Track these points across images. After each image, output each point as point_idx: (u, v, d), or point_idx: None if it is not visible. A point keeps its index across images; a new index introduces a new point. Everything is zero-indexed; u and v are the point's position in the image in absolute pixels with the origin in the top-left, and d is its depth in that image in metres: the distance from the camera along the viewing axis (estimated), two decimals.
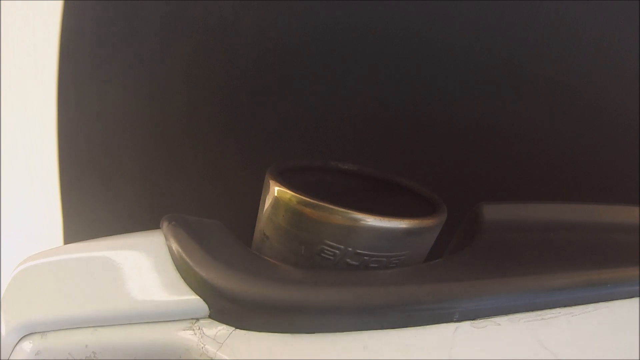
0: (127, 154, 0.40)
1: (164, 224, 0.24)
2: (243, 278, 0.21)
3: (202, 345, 0.20)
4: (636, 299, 0.20)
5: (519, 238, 0.25)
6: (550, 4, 0.29)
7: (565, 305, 0.20)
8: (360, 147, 0.35)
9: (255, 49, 0.35)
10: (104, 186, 0.42)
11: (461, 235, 0.28)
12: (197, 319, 0.21)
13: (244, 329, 0.20)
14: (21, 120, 0.44)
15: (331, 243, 0.23)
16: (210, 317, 0.21)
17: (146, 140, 0.40)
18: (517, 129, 0.32)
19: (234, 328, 0.21)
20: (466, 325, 0.20)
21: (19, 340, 0.22)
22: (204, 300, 0.21)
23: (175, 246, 0.23)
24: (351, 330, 0.20)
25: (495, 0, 0.30)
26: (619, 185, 0.31)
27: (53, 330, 0.22)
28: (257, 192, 0.25)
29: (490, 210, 0.26)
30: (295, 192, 0.23)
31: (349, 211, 0.22)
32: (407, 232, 0.23)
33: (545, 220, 0.26)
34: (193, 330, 0.21)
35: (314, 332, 0.20)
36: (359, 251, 0.23)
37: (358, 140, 0.35)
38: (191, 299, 0.21)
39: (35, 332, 0.22)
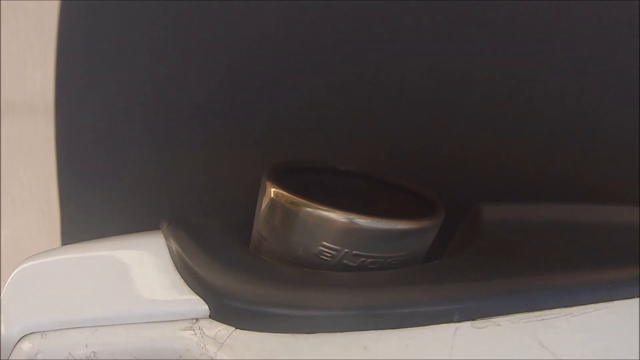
0: (127, 154, 0.40)
1: (164, 224, 0.24)
2: (243, 278, 0.21)
3: (203, 345, 0.21)
4: (636, 299, 0.20)
5: (519, 238, 0.25)
6: (549, 4, 0.29)
7: (565, 306, 0.20)
8: (359, 147, 0.35)
9: (255, 49, 0.35)
10: (103, 186, 0.42)
11: (461, 235, 0.28)
12: (197, 319, 0.21)
13: (244, 329, 0.20)
14: (21, 120, 0.44)
15: (329, 245, 0.23)
16: (210, 317, 0.21)
17: (145, 140, 0.40)
18: (516, 129, 0.32)
19: (234, 328, 0.21)
20: (466, 325, 0.20)
21: (19, 340, 0.23)
22: (204, 300, 0.21)
23: (175, 246, 0.23)
24: (351, 331, 0.20)
25: (496, 1, 0.30)
26: (619, 185, 0.31)
27: (53, 330, 0.22)
28: (257, 192, 0.25)
29: (490, 211, 0.26)
30: (292, 194, 0.23)
31: (347, 212, 0.22)
32: (405, 233, 0.23)
33: (545, 220, 0.26)
34: (193, 330, 0.21)
35: (314, 332, 0.20)
36: (356, 252, 0.23)
37: (356, 141, 0.35)
38: (191, 299, 0.21)
39: (35, 332, 0.22)
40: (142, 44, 0.37)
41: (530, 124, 0.32)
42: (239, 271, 0.21)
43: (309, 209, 0.22)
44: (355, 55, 0.34)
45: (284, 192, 0.23)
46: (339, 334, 0.20)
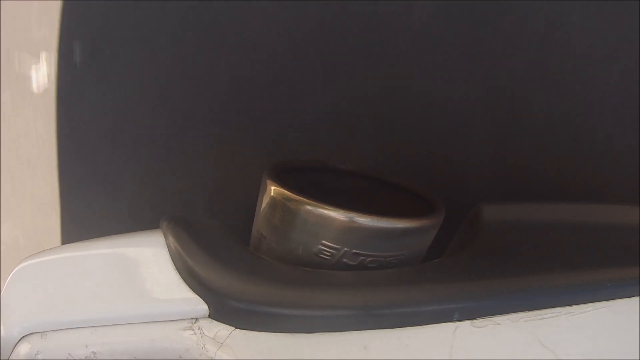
0: (128, 154, 0.40)
1: (164, 224, 0.24)
2: (243, 278, 0.21)
3: (202, 345, 0.21)
4: (636, 299, 0.20)
5: (519, 238, 0.25)
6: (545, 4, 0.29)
7: (565, 305, 0.20)
8: (359, 147, 0.35)
9: (255, 50, 0.35)
10: (104, 186, 0.42)
11: (461, 235, 0.28)
12: (197, 319, 0.21)
13: (243, 329, 0.20)
14: (22, 119, 0.44)
15: (328, 243, 0.23)
16: (210, 316, 0.21)
17: (146, 140, 0.40)
18: (517, 130, 0.32)
19: (233, 328, 0.21)
20: (466, 324, 0.20)
21: (19, 340, 0.22)
22: (204, 299, 0.21)
23: (174, 245, 0.23)
24: (351, 330, 0.20)
25: (497, 2, 0.30)
26: (619, 185, 0.31)
27: (53, 331, 0.22)
28: (257, 192, 0.25)
29: (490, 211, 0.26)
30: (292, 192, 0.23)
31: (347, 211, 0.22)
32: (405, 232, 0.23)
33: (545, 220, 0.26)
34: (193, 330, 0.21)
35: (313, 332, 0.20)
36: (356, 251, 0.23)
37: (357, 140, 0.35)
38: (191, 299, 0.21)
39: (35, 332, 0.22)
40: (146, 46, 0.37)
41: (530, 125, 0.32)
42: (238, 271, 0.21)
43: (310, 207, 0.22)
44: (356, 57, 0.34)
45: (285, 191, 0.23)
46: (338, 334, 0.20)
